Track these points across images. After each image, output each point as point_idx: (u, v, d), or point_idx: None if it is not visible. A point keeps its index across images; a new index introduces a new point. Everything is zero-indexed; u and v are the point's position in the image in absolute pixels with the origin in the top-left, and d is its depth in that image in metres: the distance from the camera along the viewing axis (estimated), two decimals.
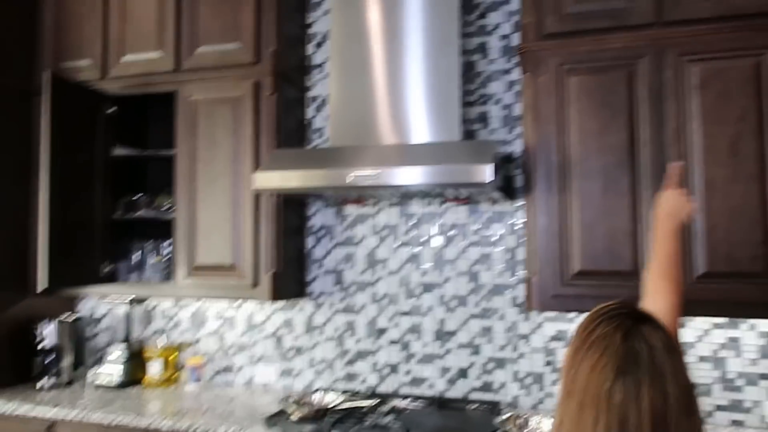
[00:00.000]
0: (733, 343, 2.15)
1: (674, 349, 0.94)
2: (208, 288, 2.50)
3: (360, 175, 1.98)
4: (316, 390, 2.48)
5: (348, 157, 2.12)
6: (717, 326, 2.17)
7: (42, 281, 2.36)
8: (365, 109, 2.34)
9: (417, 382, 2.50)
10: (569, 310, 2.16)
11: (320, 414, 2.13)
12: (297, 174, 2.09)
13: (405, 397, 2.42)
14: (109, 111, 2.72)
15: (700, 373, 2.18)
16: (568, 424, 0.92)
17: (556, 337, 2.35)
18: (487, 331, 2.42)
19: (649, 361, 0.91)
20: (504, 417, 2.01)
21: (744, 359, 2.14)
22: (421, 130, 2.27)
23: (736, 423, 2.13)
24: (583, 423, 0.90)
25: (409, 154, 2.07)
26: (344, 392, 2.47)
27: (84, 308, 3.04)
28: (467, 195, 2.34)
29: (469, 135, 2.47)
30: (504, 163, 2.35)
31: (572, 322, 2.33)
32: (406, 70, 2.32)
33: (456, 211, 2.50)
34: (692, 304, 1.89)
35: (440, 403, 2.33)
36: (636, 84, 2.04)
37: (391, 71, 2.33)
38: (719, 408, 2.15)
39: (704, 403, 2.16)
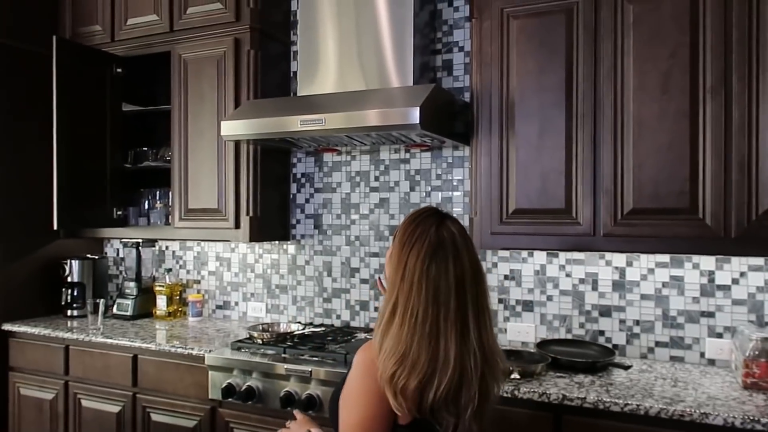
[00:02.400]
0: (676, 282, 2.17)
1: (467, 236, 1.35)
2: (199, 230, 2.77)
3: (304, 121, 2.14)
4: (294, 322, 2.72)
5: (300, 106, 2.29)
6: (660, 265, 2.19)
7: (56, 221, 2.71)
8: (326, 60, 2.48)
9: None
10: (506, 248, 2.25)
11: (280, 339, 2.36)
12: (253, 122, 2.28)
13: (369, 330, 2.61)
14: (118, 71, 3.01)
15: (643, 310, 2.22)
16: (402, 300, 1.25)
17: (509, 276, 2.44)
18: None
19: (452, 244, 1.29)
20: None
21: (686, 297, 2.16)
22: (376, 78, 2.39)
23: (675, 359, 2.17)
24: (412, 296, 1.24)
25: (350, 101, 2.20)
26: (318, 326, 2.69)
27: (110, 249, 3.43)
28: (429, 141, 2.44)
29: (433, 82, 2.56)
30: (463, 108, 2.43)
31: (525, 262, 2.42)
32: (365, 21, 2.43)
33: (420, 157, 2.62)
34: (620, 241, 1.96)
35: None
36: (573, 24, 2.06)
37: (350, 23, 2.45)
38: (659, 344, 2.19)
39: (646, 340, 2.21)
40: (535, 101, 2.11)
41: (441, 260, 1.26)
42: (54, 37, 2.76)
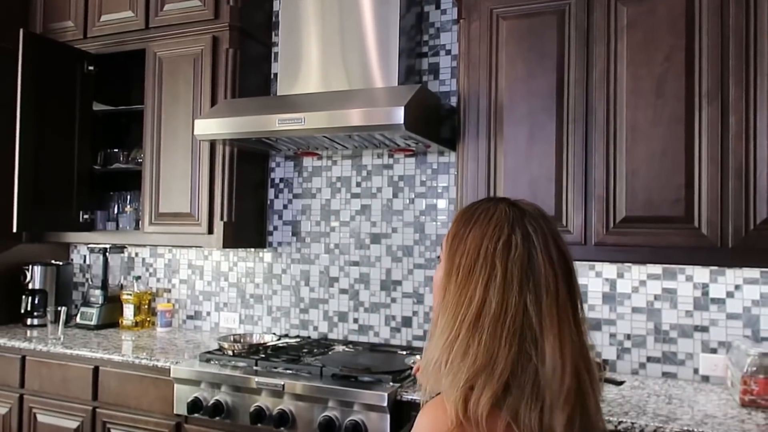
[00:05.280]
0: (669, 294, 2.09)
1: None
2: (170, 235, 2.63)
3: (283, 120, 2.04)
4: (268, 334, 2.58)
5: (279, 105, 2.18)
6: (652, 277, 2.11)
7: (15, 223, 2.55)
8: (309, 60, 2.39)
9: (364, 329, 2.55)
10: None
11: (252, 351, 2.22)
12: (229, 121, 2.17)
13: (348, 343, 2.48)
14: (90, 69, 2.87)
15: (634, 324, 2.13)
16: (454, 294, 0.89)
17: None
18: (430, 280, 2.45)
19: (536, 214, 0.95)
20: (418, 356, 2.04)
21: (679, 311, 2.07)
22: (360, 80, 2.30)
23: (668, 375, 2.08)
24: (475, 281, 0.88)
25: (332, 100, 2.10)
26: (294, 337, 2.56)
27: (77, 256, 3.26)
28: (413, 145, 2.34)
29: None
30: (449, 113, 2.34)
31: None
32: (350, 22, 2.34)
33: (404, 162, 2.52)
34: (612, 250, 1.87)
35: (372, 347, 2.38)
36: (565, 27, 1.99)
37: (334, 24, 2.36)
38: (651, 360, 2.10)
39: (638, 355, 2.12)
40: (524, 106, 2.03)
41: (526, 229, 0.91)
42: (21, 31, 2.62)
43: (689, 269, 2.07)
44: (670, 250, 1.83)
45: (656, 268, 2.11)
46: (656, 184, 1.84)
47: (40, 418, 2.48)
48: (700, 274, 2.05)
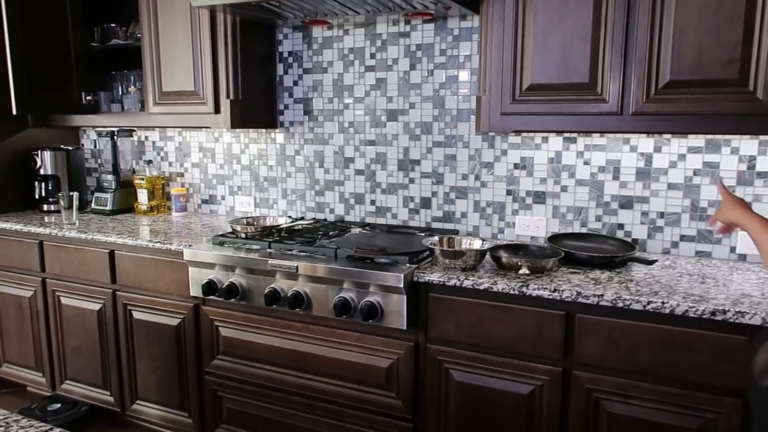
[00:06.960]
0: (710, 169, 1.92)
1: None
2: (176, 116, 2.50)
3: None
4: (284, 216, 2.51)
5: None
6: (693, 150, 1.93)
7: (14, 106, 2.44)
8: None
9: (381, 211, 2.46)
10: (518, 130, 1.97)
11: (266, 233, 2.16)
12: None
13: (365, 225, 2.40)
14: None
15: (669, 201, 1.98)
16: None
17: (519, 165, 2.19)
18: (451, 159, 2.30)
19: None
20: (436, 237, 1.95)
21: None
22: None
23: (702, 254, 1.96)
24: None
25: None
26: (310, 220, 2.49)
27: (87, 141, 3.17)
28: (432, 6, 2.10)
29: None
30: None
31: (538, 149, 2.16)
32: None
33: (422, 29, 2.29)
34: (651, 120, 1.69)
35: (389, 229, 2.30)
36: None
37: None
38: (685, 238, 1.98)
39: (670, 233, 2.00)
40: None
41: None
42: None
43: (735, 141, 1.88)
44: (717, 118, 1.64)
45: (698, 141, 1.92)
46: (707, 43, 1.61)
47: (64, 300, 2.51)
48: (748, 146, 1.87)
